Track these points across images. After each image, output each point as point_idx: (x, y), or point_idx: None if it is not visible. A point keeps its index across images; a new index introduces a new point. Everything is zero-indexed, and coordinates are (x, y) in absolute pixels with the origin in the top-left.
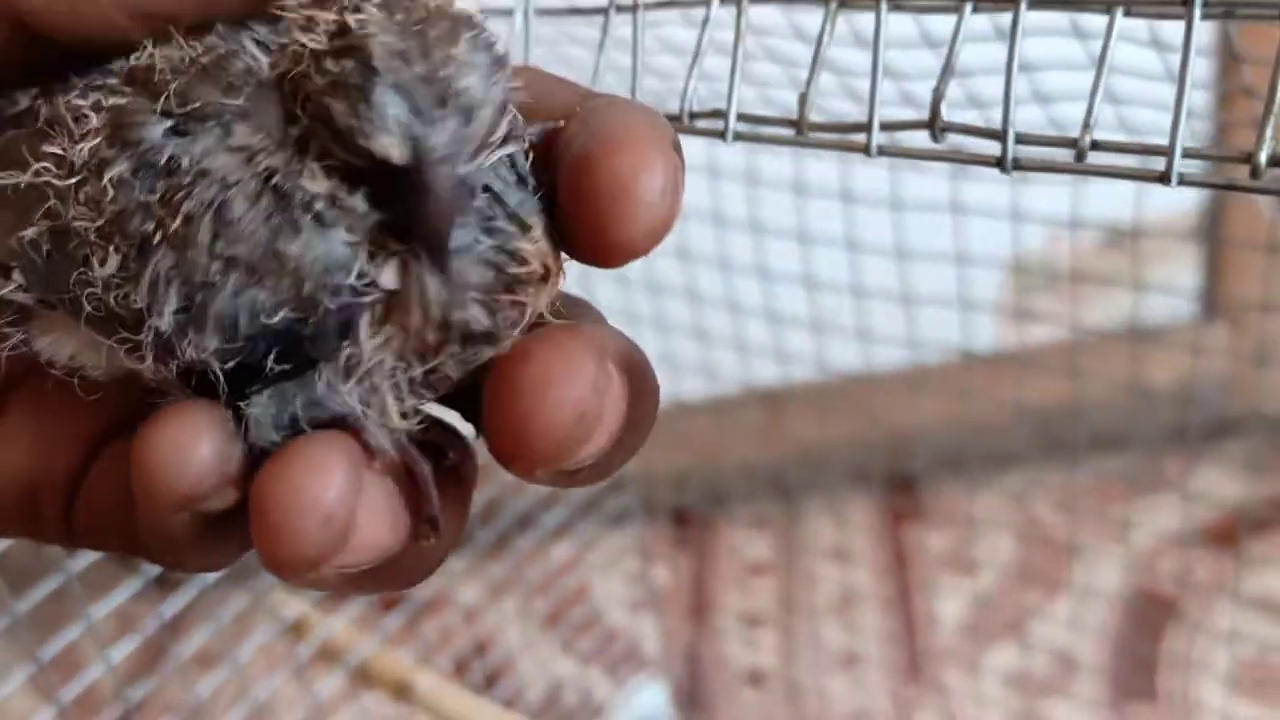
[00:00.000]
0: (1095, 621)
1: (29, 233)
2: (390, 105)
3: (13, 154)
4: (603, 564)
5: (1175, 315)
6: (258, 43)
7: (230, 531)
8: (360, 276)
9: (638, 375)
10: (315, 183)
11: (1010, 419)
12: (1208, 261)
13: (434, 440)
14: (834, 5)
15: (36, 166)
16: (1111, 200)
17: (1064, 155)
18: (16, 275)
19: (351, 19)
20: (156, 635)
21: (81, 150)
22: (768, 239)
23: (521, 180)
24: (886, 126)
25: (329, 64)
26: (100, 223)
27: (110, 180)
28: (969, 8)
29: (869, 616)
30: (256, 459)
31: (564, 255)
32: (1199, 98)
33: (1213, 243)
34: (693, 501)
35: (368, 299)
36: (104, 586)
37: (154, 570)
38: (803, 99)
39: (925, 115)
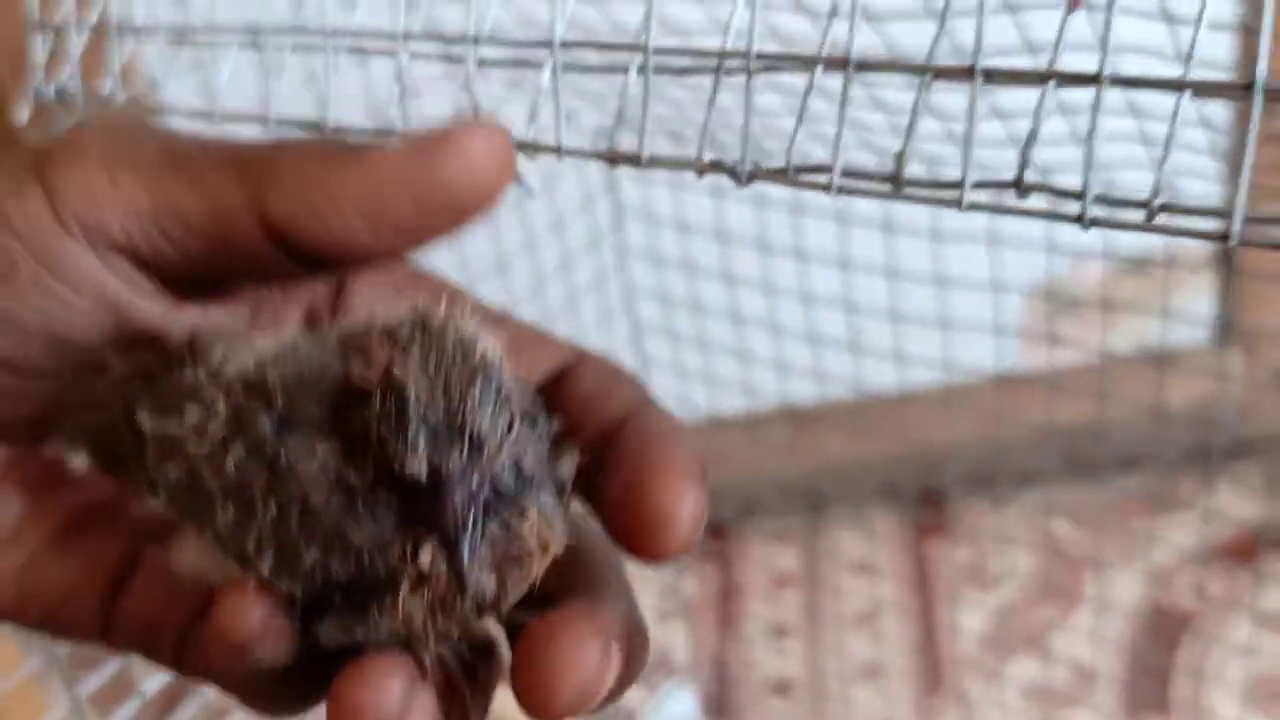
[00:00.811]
0: (1112, 635)
1: (172, 471)
2: (419, 440)
3: (170, 404)
4: (635, 574)
5: (1193, 341)
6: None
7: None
8: (399, 555)
9: (636, 647)
10: (368, 485)
11: (1034, 439)
12: (1224, 290)
13: (467, 654)
14: (929, 78)
15: (182, 431)
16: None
17: (1134, 214)
18: (162, 496)
19: (396, 363)
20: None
21: (215, 429)
22: (811, 265)
23: (523, 477)
24: (979, 185)
25: (378, 401)
26: (221, 485)
27: (232, 460)
28: (1053, 84)
29: (893, 628)
30: (318, 657)
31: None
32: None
33: (1229, 272)
34: (724, 515)
35: (406, 569)
36: None
37: None
38: (900, 157)
39: (1008, 176)
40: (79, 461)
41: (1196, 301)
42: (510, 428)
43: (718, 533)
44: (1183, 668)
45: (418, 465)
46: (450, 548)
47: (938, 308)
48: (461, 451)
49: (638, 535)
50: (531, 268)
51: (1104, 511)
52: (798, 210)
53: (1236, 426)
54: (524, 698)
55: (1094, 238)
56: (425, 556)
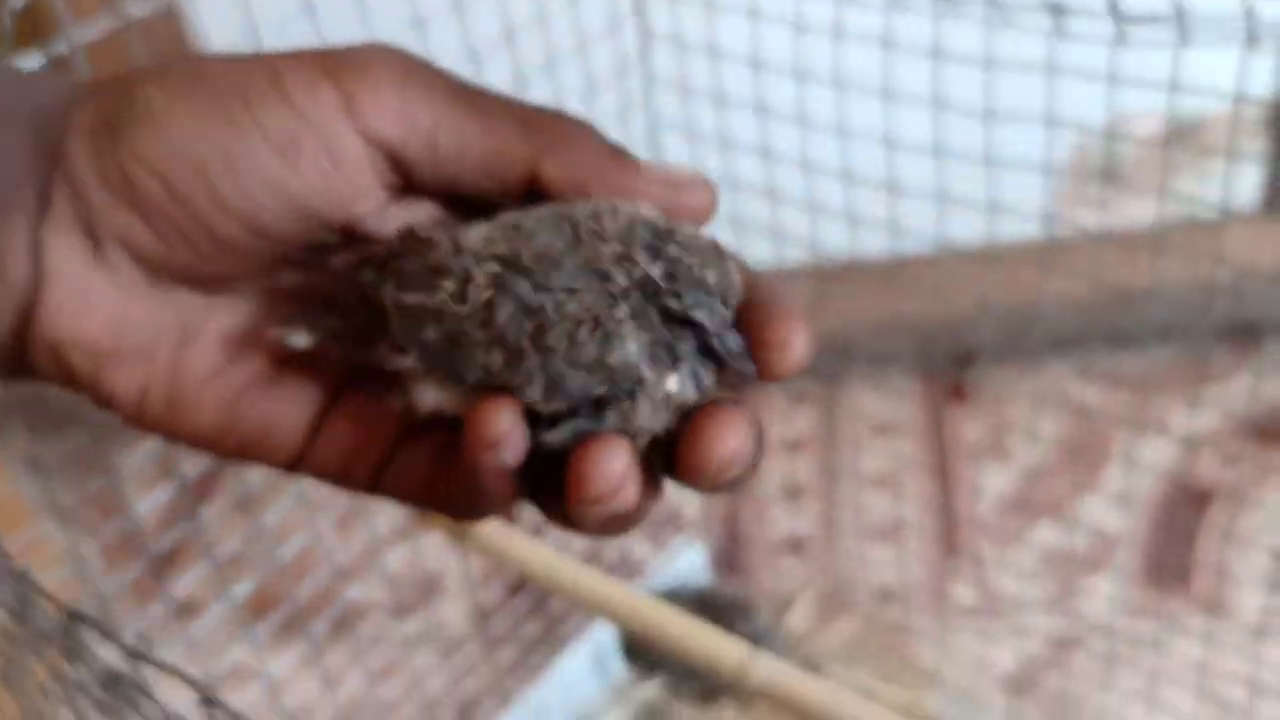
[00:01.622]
0: (1136, 506)
1: (430, 332)
2: (691, 294)
3: (416, 280)
4: None
5: (1243, 210)
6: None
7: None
8: (641, 375)
9: (760, 434)
10: (623, 323)
11: (1069, 303)
12: (1274, 153)
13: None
14: None
15: (439, 299)
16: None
17: None
18: (412, 356)
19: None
20: (198, 479)
21: (476, 295)
22: (850, 94)
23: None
24: None
25: (662, 259)
26: (490, 336)
27: (501, 316)
28: None
29: (911, 489)
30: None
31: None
32: None
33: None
34: None
35: (649, 386)
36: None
37: None
38: None
39: None
40: (300, 340)
41: (1249, 170)
42: (730, 296)
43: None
44: (1207, 541)
45: (692, 310)
46: (695, 377)
47: (983, 144)
48: (713, 307)
49: (765, 359)
50: (552, 94)
51: (1136, 381)
52: (839, 36)
53: (1275, 303)
54: (686, 462)
55: (1163, 74)
56: (673, 382)
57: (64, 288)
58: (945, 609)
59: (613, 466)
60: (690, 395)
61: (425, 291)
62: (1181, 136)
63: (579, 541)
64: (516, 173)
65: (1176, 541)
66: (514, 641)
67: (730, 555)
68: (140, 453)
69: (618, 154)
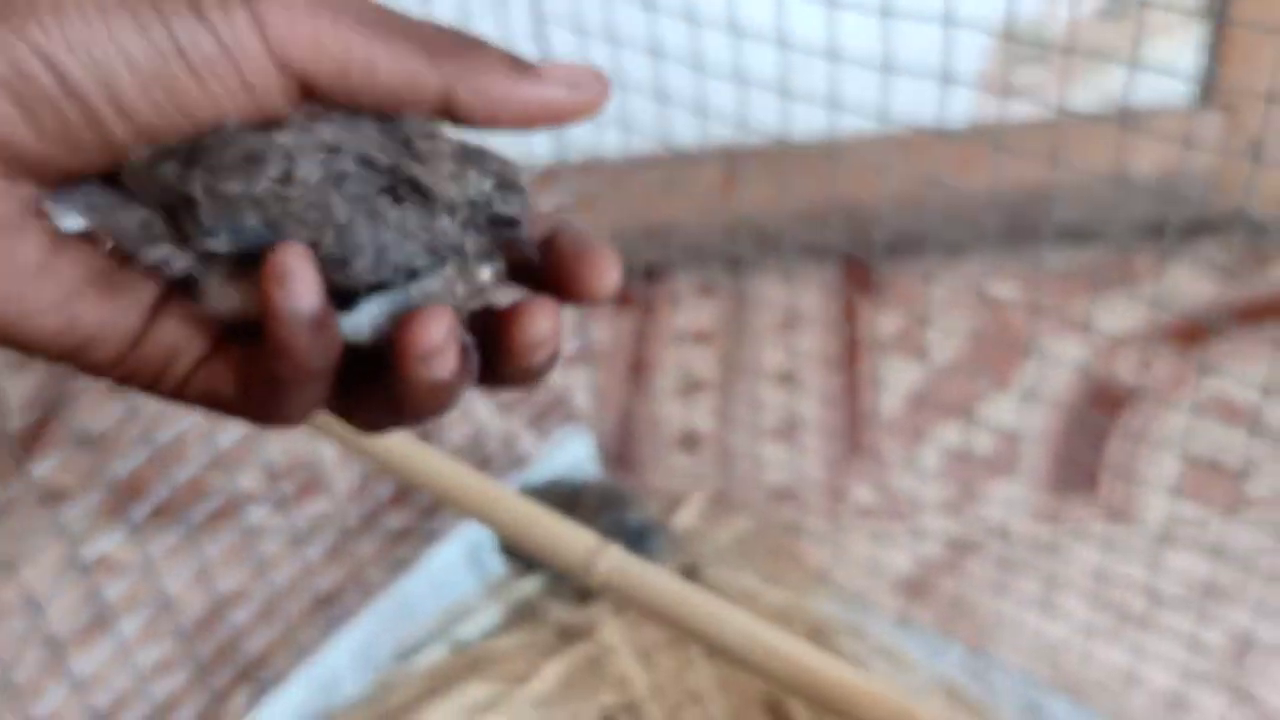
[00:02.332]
0: (1045, 410)
1: (248, 220)
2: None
3: (232, 171)
4: None
5: (1169, 102)
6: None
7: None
8: (463, 249)
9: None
10: (447, 204)
11: (978, 201)
12: (1212, 42)
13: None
14: None
15: (262, 186)
16: None
17: None
18: (223, 243)
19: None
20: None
21: (306, 175)
22: None
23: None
24: None
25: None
26: (318, 216)
27: (330, 196)
28: None
29: (812, 387)
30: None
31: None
32: None
33: (1220, 21)
34: (638, 262)
35: (460, 263)
36: None
37: None
38: None
39: None
40: (72, 222)
41: (1181, 55)
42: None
43: (631, 280)
44: (1116, 448)
45: (508, 209)
46: (496, 247)
47: (882, 47)
48: (524, 213)
49: (575, 281)
50: None
51: (1049, 282)
52: None
53: (1203, 201)
54: (501, 343)
55: None
56: (486, 270)
57: None
58: (842, 510)
59: (439, 323)
60: (492, 288)
61: (243, 179)
62: (1117, 18)
63: (456, 432)
64: (428, 99)
65: (1086, 445)
66: (379, 532)
67: (621, 449)
68: None
69: (521, 69)
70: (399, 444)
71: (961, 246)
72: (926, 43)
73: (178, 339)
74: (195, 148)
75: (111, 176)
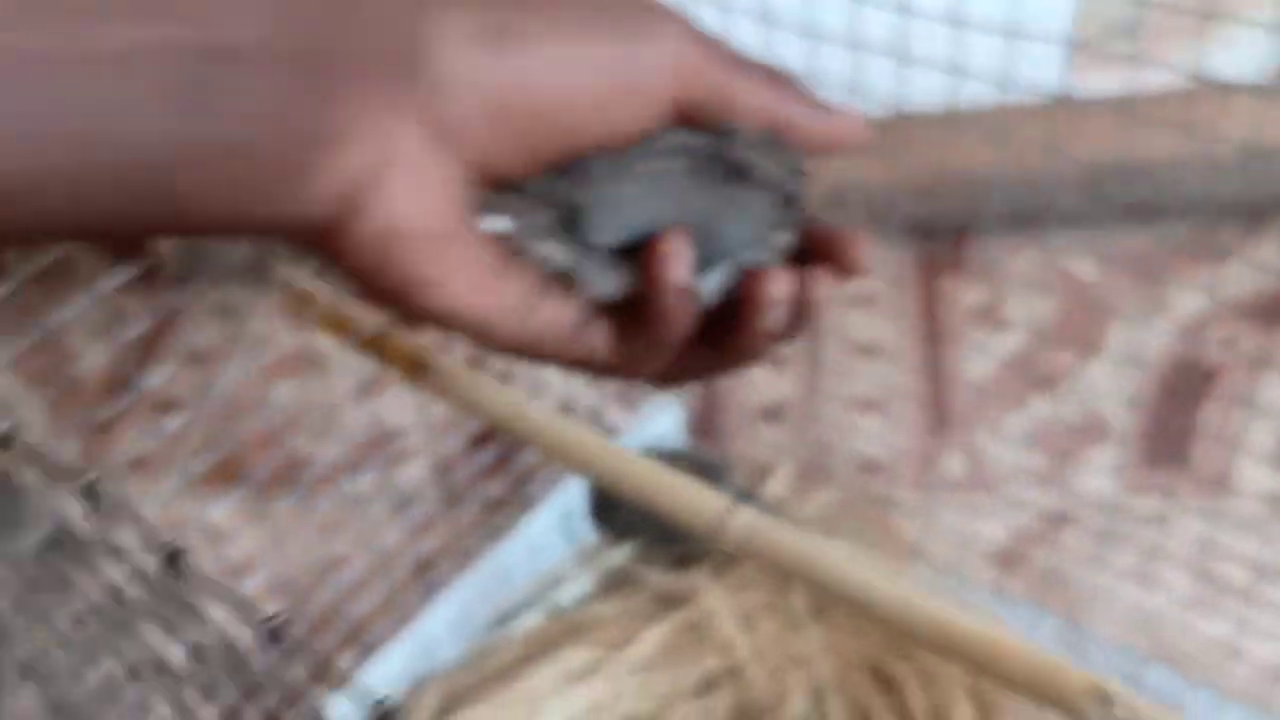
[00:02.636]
0: (1131, 386)
1: (627, 218)
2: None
3: (610, 180)
4: None
5: (1262, 71)
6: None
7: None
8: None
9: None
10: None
11: (1063, 172)
12: None
13: None
14: None
15: (637, 189)
16: None
17: None
18: (605, 238)
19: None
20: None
21: (674, 185)
22: None
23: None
24: None
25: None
26: (680, 213)
27: (698, 199)
28: None
29: (896, 363)
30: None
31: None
32: None
33: None
34: None
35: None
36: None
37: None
38: None
39: None
40: (502, 224)
41: (1264, 39)
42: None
43: None
44: (1206, 422)
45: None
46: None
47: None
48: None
49: (833, 255)
50: None
51: (1134, 258)
52: None
53: None
54: (747, 298)
55: None
56: (785, 238)
57: (404, 179)
58: (931, 482)
59: (780, 281)
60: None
61: (619, 185)
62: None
63: (546, 403)
64: (764, 126)
65: (1178, 417)
66: (476, 500)
67: (707, 420)
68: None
69: (826, 105)
70: (510, 399)
71: (1046, 218)
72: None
73: (558, 315)
74: (577, 163)
75: (509, 184)
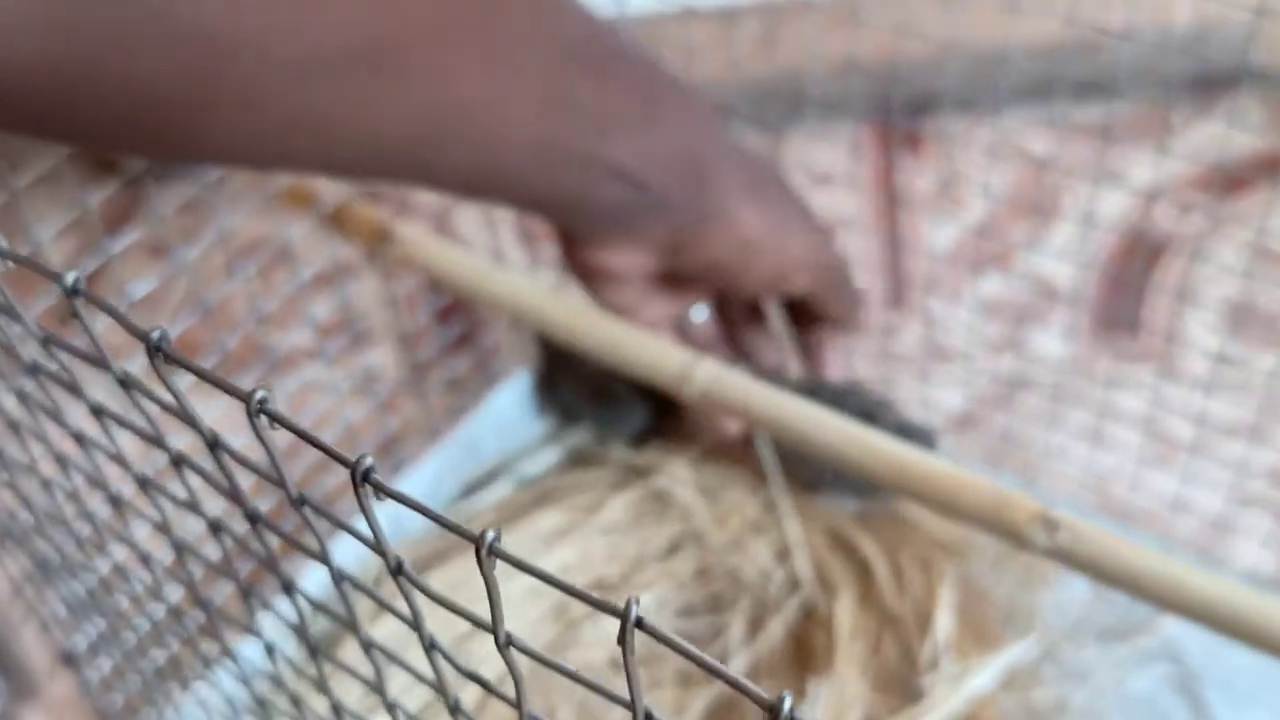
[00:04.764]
0: (1085, 256)
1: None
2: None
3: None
4: None
5: None
6: None
7: None
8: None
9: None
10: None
11: (1015, 53)
12: None
13: None
14: None
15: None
16: None
17: None
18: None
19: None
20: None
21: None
22: None
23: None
24: None
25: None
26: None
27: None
28: None
29: (853, 241)
30: None
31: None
32: None
33: None
34: None
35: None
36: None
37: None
38: None
39: None
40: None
41: None
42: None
43: None
44: (1159, 290)
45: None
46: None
47: None
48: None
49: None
50: None
51: (1084, 134)
52: None
53: (1243, 53)
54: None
55: None
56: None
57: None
58: (889, 351)
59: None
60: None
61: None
62: None
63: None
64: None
65: (1131, 285)
66: (442, 379)
67: None
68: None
69: (860, 293)
70: (481, 268)
71: (1000, 98)
72: None
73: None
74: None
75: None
